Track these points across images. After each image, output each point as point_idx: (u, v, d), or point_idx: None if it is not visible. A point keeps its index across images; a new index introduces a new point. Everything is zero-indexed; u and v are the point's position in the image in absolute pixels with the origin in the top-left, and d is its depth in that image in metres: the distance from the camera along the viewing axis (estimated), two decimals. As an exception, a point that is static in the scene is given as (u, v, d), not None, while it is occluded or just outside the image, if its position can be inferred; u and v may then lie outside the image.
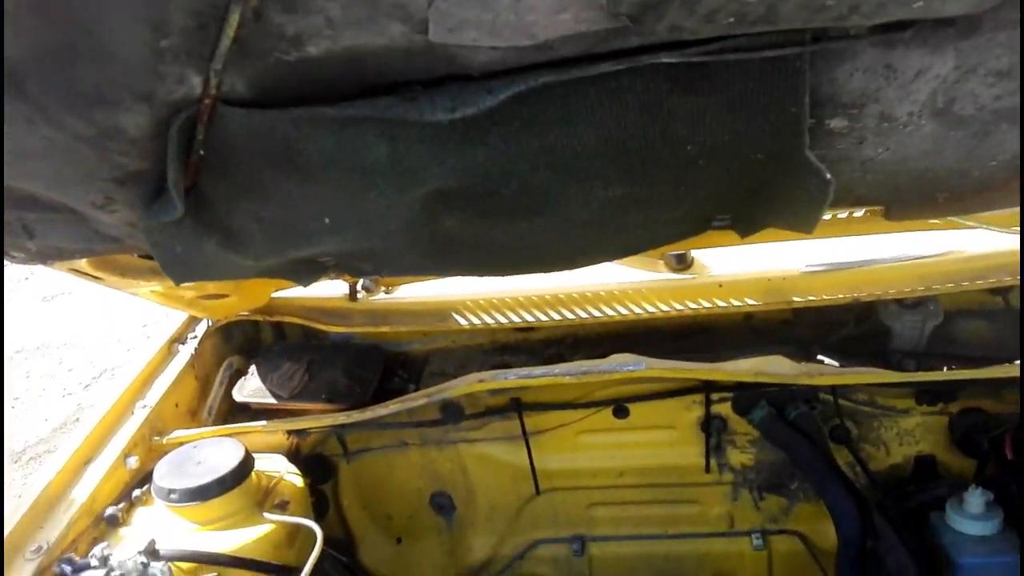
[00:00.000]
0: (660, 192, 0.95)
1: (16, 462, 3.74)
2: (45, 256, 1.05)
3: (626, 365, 1.45)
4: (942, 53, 0.79)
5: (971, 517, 1.29)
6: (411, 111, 0.76)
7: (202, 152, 0.81)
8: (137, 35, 0.68)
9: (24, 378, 4.45)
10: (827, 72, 0.80)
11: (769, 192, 0.95)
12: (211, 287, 1.52)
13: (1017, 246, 1.56)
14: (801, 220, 0.94)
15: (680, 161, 0.88)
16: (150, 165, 0.84)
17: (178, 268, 1.00)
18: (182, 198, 0.85)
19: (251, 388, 1.72)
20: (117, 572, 1.17)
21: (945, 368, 1.48)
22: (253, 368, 1.76)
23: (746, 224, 1.04)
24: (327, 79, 0.76)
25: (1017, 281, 1.58)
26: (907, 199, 1.06)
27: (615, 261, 1.41)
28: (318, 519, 1.37)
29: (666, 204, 0.99)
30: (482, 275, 1.33)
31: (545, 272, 1.20)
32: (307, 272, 1.19)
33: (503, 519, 1.80)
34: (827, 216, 1.41)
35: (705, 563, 1.76)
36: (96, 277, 1.31)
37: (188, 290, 1.52)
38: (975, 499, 1.29)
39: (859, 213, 1.34)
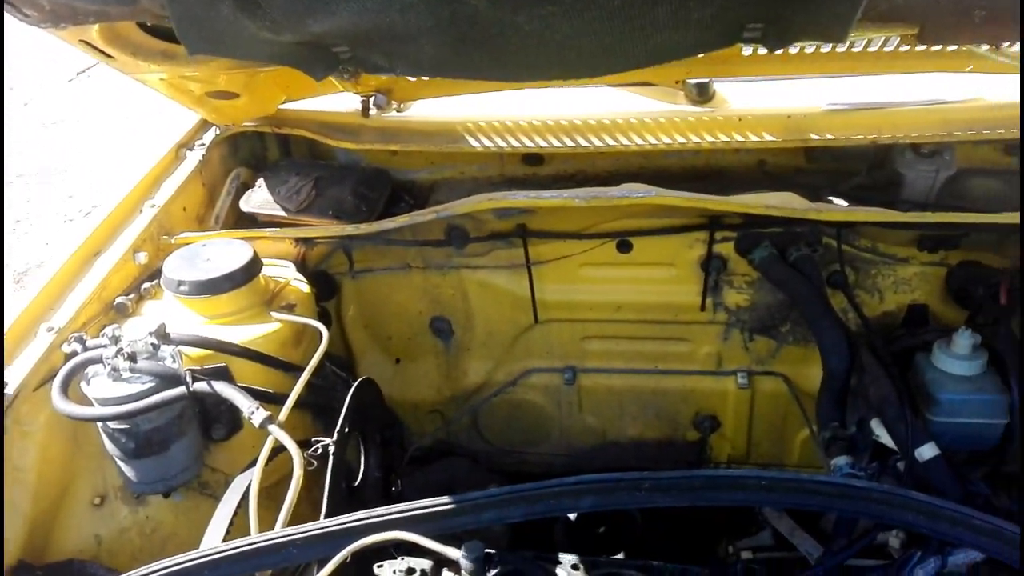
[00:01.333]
0: None
1: (18, 283, 3.80)
2: (58, 17, 1.01)
3: (636, 192, 1.45)
4: None
5: (956, 357, 1.33)
6: None
7: None
8: None
9: (25, 203, 4.46)
10: None
11: None
12: (221, 81, 1.49)
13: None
14: (836, 22, 0.91)
15: None
16: None
17: (193, 32, 0.97)
18: None
19: (258, 200, 1.72)
20: (128, 351, 1.21)
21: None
22: (260, 181, 1.76)
23: (779, 32, 1.01)
24: None
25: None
26: (944, 15, 1.02)
27: (640, 79, 1.38)
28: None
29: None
30: (502, 78, 1.30)
31: (567, 79, 1.17)
32: (320, 61, 1.16)
33: (499, 346, 1.85)
34: (859, 44, 1.38)
35: (690, 399, 1.83)
36: (107, 55, 1.28)
37: (197, 83, 1.49)
38: (963, 340, 1.33)
39: (891, 45, 1.30)
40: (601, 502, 1.11)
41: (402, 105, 1.75)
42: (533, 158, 1.79)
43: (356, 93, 1.72)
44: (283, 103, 1.75)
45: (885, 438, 1.30)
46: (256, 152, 1.90)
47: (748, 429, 1.82)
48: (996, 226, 1.39)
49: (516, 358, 1.86)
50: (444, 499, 1.08)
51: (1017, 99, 1.54)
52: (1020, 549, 0.92)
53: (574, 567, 1.17)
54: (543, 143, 1.62)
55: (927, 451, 1.24)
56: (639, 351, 1.82)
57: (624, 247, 1.67)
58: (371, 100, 1.73)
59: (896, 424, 1.27)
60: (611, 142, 1.63)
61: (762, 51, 1.18)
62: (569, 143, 1.61)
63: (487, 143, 1.65)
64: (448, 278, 1.77)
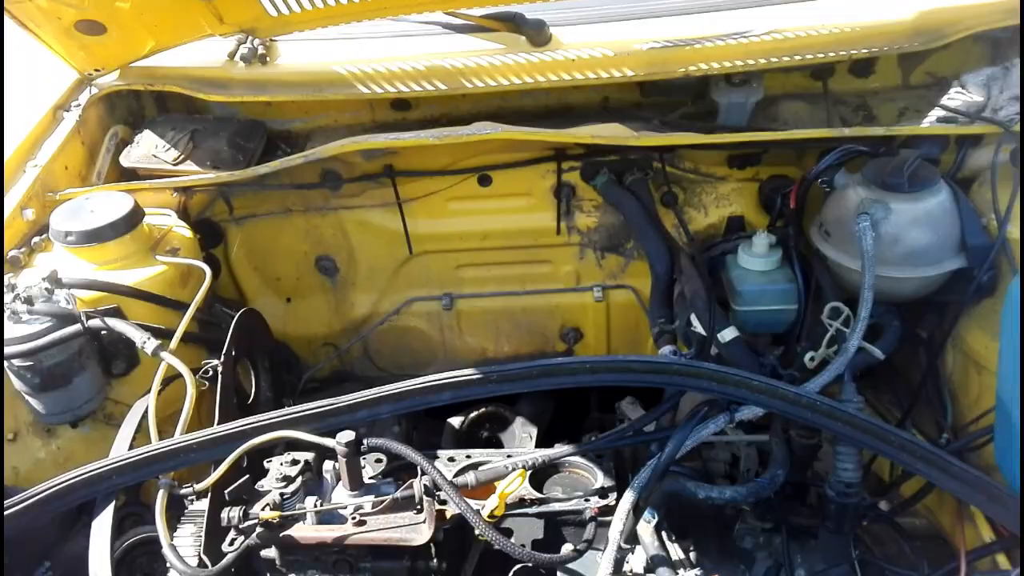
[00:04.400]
0: None
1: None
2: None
3: (484, 129, 1.64)
4: None
5: (754, 255, 1.59)
6: None
7: None
8: None
9: None
10: None
11: None
12: (90, 8, 1.56)
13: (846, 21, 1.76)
14: None
15: None
16: None
17: None
18: None
19: (137, 155, 1.82)
20: (24, 295, 1.33)
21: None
22: (139, 137, 1.85)
23: None
24: None
25: (838, 58, 1.78)
26: None
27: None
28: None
29: None
30: None
31: None
32: None
33: (381, 279, 2.03)
34: None
35: (555, 314, 2.05)
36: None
37: (66, 9, 1.56)
38: (760, 240, 1.59)
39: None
40: (458, 394, 1.32)
41: (267, 57, 1.87)
42: (401, 104, 1.93)
43: (221, 35, 1.82)
44: (151, 52, 1.82)
45: (699, 328, 1.55)
46: (133, 110, 1.98)
47: (607, 337, 2.06)
48: (790, 142, 1.64)
49: (398, 289, 2.04)
50: (321, 402, 1.27)
51: (820, 27, 1.78)
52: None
53: (450, 459, 1.37)
54: (404, 88, 1.77)
55: (727, 334, 1.50)
56: (508, 275, 2.02)
57: (484, 181, 1.86)
58: (237, 54, 1.84)
59: (704, 314, 1.52)
60: (468, 85, 1.79)
61: None
62: (428, 87, 1.76)
63: (352, 90, 1.79)
64: (328, 219, 1.93)
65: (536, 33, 1.76)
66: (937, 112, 1.67)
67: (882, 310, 1.50)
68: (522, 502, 1.29)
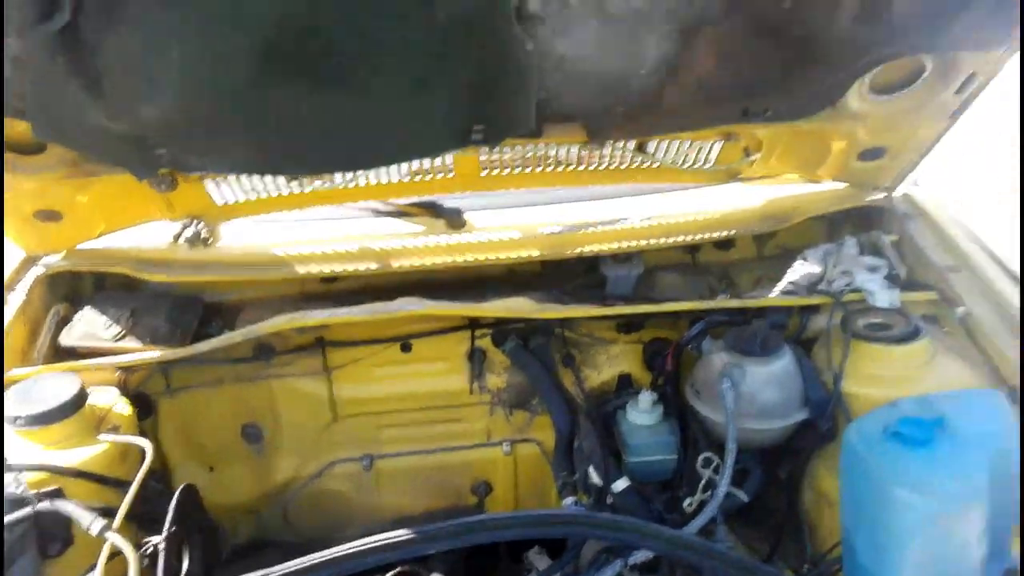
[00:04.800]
0: (427, 71, 1.33)
1: None
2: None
3: (408, 305, 1.86)
4: None
5: (640, 411, 1.83)
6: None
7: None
8: None
9: None
10: None
11: (496, 84, 1.35)
12: (50, 197, 1.74)
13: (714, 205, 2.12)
14: (521, 108, 1.39)
15: (435, 31, 1.24)
16: None
17: (42, 114, 1.26)
18: (71, 2, 1.10)
19: (79, 333, 1.96)
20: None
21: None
22: (79, 316, 1.99)
23: (491, 130, 1.47)
24: None
25: (704, 239, 2.13)
26: (597, 112, 1.51)
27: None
28: (142, 448, 1.67)
29: (432, 90, 1.37)
30: (296, 168, 1.68)
31: (349, 168, 1.61)
32: (143, 161, 1.49)
33: (305, 443, 2.16)
34: (560, 160, 1.90)
35: (467, 469, 2.22)
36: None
37: (30, 198, 1.73)
38: (645, 398, 1.83)
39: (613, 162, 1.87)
40: (384, 557, 1.46)
41: (210, 240, 2.08)
42: (329, 277, 2.15)
43: (171, 220, 2.03)
44: (100, 234, 2.00)
45: (596, 479, 1.76)
46: (73, 286, 2.11)
47: (515, 489, 2.24)
48: (666, 312, 1.93)
49: (321, 452, 2.17)
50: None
51: (691, 212, 2.14)
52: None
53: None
54: (337, 267, 2.00)
55: (620, 484, 1.72)
56: (425, 433, 2.20)
57: (406, 348, 2.08)
58: (182, 236, 2.05)
59: (600, 467, 1.74)
60: (394, 264, 2.04)
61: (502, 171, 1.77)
62: (358, 267, 2.00)
63: (288, 270, 2.00)
64: (257, 388, 2.08)
65: (453, 218, 2.05)
66: (784, 283, 2.01)
67: (747, 457, 1.75)
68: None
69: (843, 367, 1.72)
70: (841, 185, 2.08)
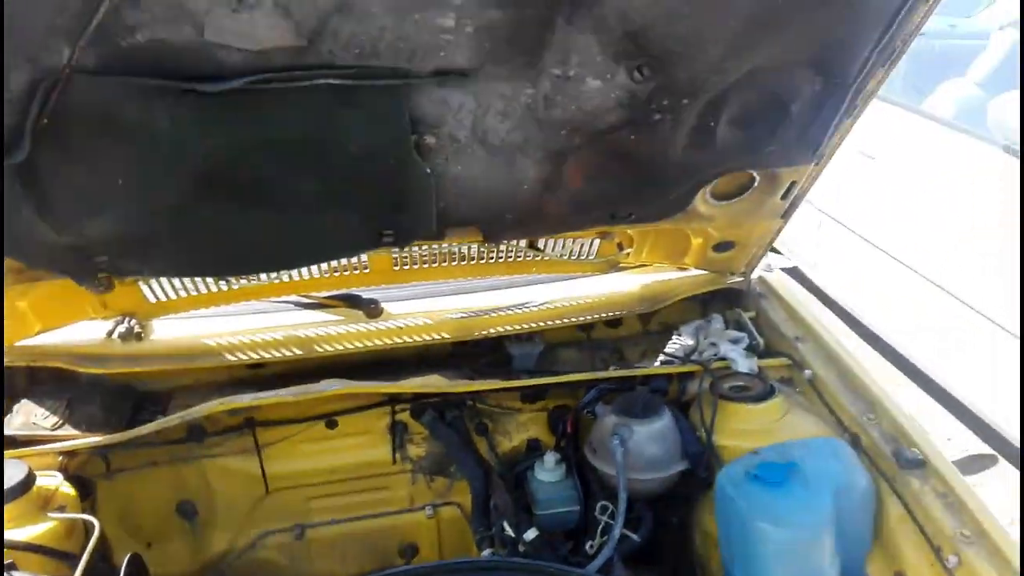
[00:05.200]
0: (342, 190, 1.56)
1: None
2: None
3: (331, 385, 2.07)
4: (467, 94, 1.42)
5: (546, 470, 2.09)
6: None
7: (45, 121, 1.23)
8: (42, 11, 1.11)
9: None
10: (415, 99, 1.42)
11: (402, 198, 1.61)
12: None
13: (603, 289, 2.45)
14: (423, 217, 1.66)
15: (348, 160, 1.49)
16: (13, 120, 1.24)
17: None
18: (30, 141, 1.27)
19: (18, 423, 2.06)
20: (-68, 561, 1.53)
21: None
22: (17, 407, 2.10)
23: (400, 235, 1.74)
24: (146, 62, 1.23)
25: (595, 319, 2.44)
26: (490, 218, 1.80)
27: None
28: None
29: (347, 205, 1.61)
30: (225, 270, 1.90)
31: (273, 269, 1.85)
32: (84, 268, 1.67)
33: (238, 517, 2.29)
34: (464, 256, 2.17)
35: (394, 534, 2.39)
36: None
37: None
38: (549, 459, 2.09)
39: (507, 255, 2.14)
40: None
41: (142, 334, 2.24)
42: (256, 364, 2.33)
43: (104, 319, 2.18)
44: (36, 334, 2.13)
45: (509, 531, 1.99)
46: (9, 381, 2.22)
47: (439, 548, 2.43)
48: (563, 384, 2.21)
49: (253, 524, 2.31)
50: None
51: (582, 296, 2.45)
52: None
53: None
54: (264, 354, 2.19)
55: (530, 534, 1.95)
56: (353, 502, 2.37)
57: (331, 425, 2.27)
58: (116, 332, 2.20)
59: (512, 520, 1.98)
60: (318, 350, 2.25)
61: (412, 265, 2.05)
62: (284, 353, 2.20)
63: (217, 359, 2.18)
64: (191, 468, 2.21)
65: (370, 309, 2.28)
66: (663, 355, 2.34)
67: (640, 505, 2.02)
68: None
69: (713, 424, 2.04)
70: (704, 272, 2.45)
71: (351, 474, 2.33)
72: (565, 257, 2.32)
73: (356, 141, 1.49)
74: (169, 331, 2.28)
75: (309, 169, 1.55)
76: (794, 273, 6.35)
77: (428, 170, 1.58)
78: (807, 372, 2.16)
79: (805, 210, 5.30)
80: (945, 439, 4.23)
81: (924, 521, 1.72)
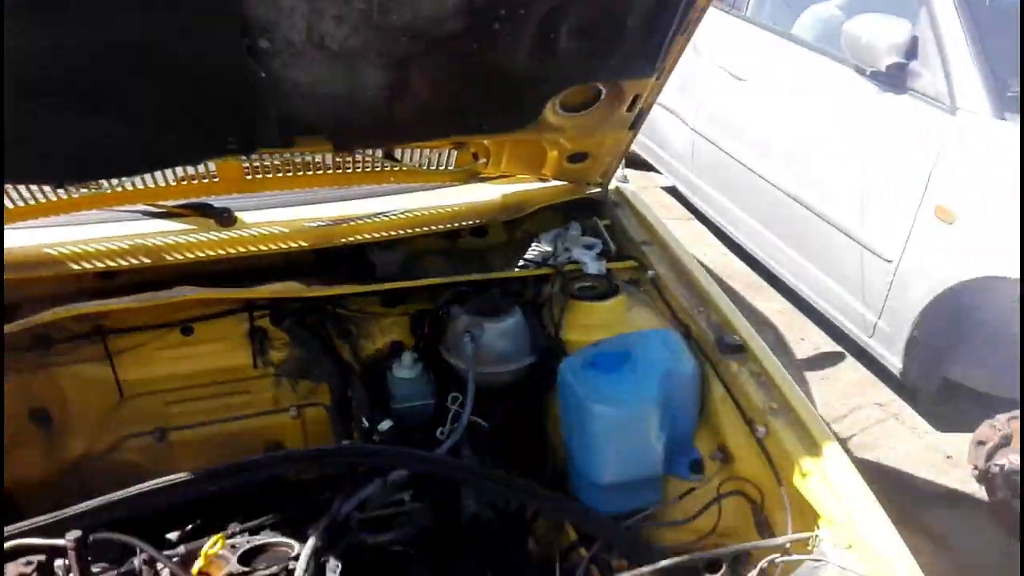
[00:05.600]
0: (179, 96, 1.54)
1: None
2: None
3: (183, 291, 2.06)
4: None
5: (403, 367, 2.17)
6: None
7: None
8: None
9: None
10: (245, 1, 1.38)
11: (240, 104, 1.60)
12: None
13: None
14: (264, 124, 1.66)
15: (182, 65, 1.46)
16: None
17: None
18: None
19: None
20: None
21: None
22: None
23: (242, 142, 1.73)
24: None
25: (456, 227, 2.49)
26: (336, 126, 1.80)
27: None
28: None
29: (185, 111, 1.59)
30: (66, 177, 1.82)
31: (112, 176, 1.80)
32: None
33: (95, 422, 2.27)
34: (321, 166, 2.17)
35: (258, 435, 2.43)
36: None
37: None
38: (406, 357, 2.18)
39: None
40: (160, 499, 1.67)
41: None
42: (107, 273, 2.28)
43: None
44: None
45: (367, 424, 2.07)
46: None
47: (305, 447, 2.49)
48: (419, 288, 2.27)
49: (112, 429, 2.30)
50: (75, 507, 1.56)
51: (445, 204, 2.49)
52: None
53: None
54: (112, 263, 2.13)
55: (385, 425, 2.04)
56: (215, 405, 2.38)
57: (187, 332, 2.26)
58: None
59: (367, 414, 2.06)
60: (168, 258, 2.19)
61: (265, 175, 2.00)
62: (133, 261, 2.14)
63: (63, 268, 2.11)
64: (41, 376, 2.17)
65: (223, 218, 2.25)
66: (521, 261, 2.44)
67: (491, 397, 2.13)
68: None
69: (561, 320, 2.16)
70: (563, 182, 2.54)
71: (212, 380, 2.34)
72: (423, 167, 2.35)
73: (188, 44, 1.46)
74: (10, 241, 2.19)
75: (143, 73, 1.51)
76: (672, 192, 6.59)
77: (263, 74, 1.56)
78: (650, 272, 2.31)
79: (683, 132, 5.47)
80: (799, 339, 4.58)
81: (740, 398, 1.90)
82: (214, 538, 1.61)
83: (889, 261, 3.49)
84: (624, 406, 1.89)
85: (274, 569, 1.69)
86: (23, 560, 1.53)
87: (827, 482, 1.64)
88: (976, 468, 3.44)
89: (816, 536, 1.55)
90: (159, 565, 1.54)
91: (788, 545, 1.60)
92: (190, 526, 1.87)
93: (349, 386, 2.21)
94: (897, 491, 3.62)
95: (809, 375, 4.25)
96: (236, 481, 1.72)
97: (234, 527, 1.73)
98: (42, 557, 1.54)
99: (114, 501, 1.61)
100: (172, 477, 1.66)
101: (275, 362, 2.38)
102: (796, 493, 1.71)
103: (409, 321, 2.43)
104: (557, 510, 1.89)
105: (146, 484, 1.64)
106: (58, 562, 1.55)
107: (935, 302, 3.27)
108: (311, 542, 1.67)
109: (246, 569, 1.70)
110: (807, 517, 1.68)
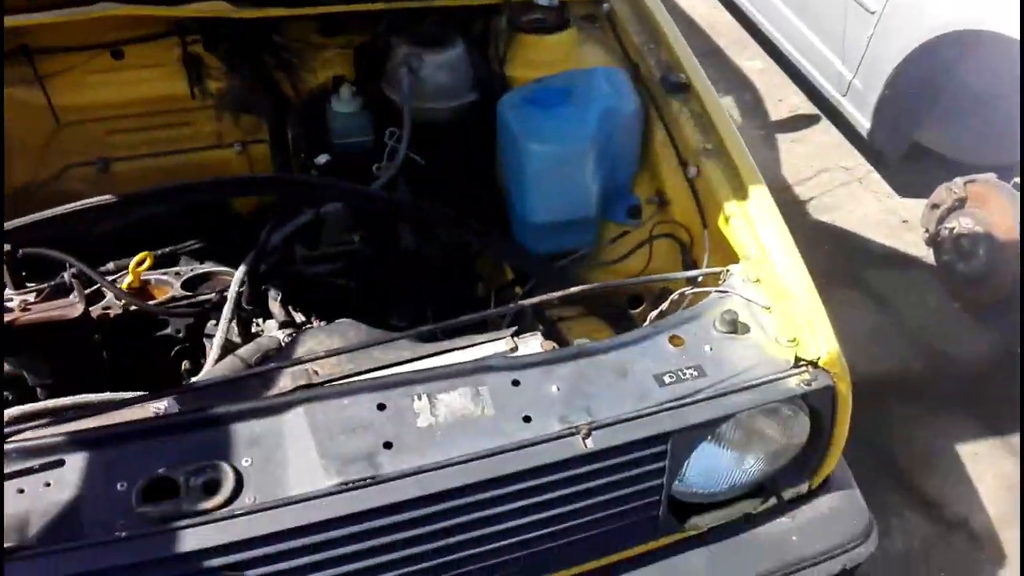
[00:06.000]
0: None
1: None
2: None
3: (104, 7, 1.93)
4: None
5: (342, 101, 2.10)
6: None
7: None
8: None
9: None
10: None
11: None
12: None
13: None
14: None
15: None
16: None
17: None
18: None
19: None
20: None
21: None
22: None
23: None
24: None
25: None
26: None
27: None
28: None
29: None
30: None
31: None
32: None
33: (35, 149, 2.24)
34: None
35: (204, 171, 2.39)
36: None
37: None
38: (345, 91, 2.10)
39: None
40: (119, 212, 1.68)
41: None
42: None
43: None
44: None
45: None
46: None
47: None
48: (355, 17, 2.12)
49: (53, 157, 2.27)
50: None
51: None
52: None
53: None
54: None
55: (322, 159, 2.01)
56: (156, 138, 2.33)
57: (117, 55, 2.15)
58: None
59: (302, 148, 2.02)
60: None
61: None
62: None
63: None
64: (-33, 98, 2.10)
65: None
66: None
67: (431, 135, 2.08)
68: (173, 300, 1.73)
69: (505, 54, 2.06)
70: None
71: (149, 108, 2.27)
72: None
73: None
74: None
75: None
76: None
77: None
78: (605, 5, 2.17)
79: None
80: (777, 100, 4.48)
81: (678, 139, 1.86)
82: (140, 255, 1.65)
83: (872, 12, 3.29)
84: (560, 144, 1.86)
85: (213, 295, 1.75)
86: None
87: (748, 222, 1.66)
88: (927, 231, 3.51)
89: (727, 271, 1.59)
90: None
91: (700, 279, 1.65)
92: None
93: (287, 118, 2.15)
94: (849, 252, 3.73)
95: (780, 137, 4.20)
96: (162, 204, 1.72)
97: (164, 250, 1.76)
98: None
99: (44, 218, 1.62)
100: (103, 197, 1.66)
101: (213, 92, 2.29)
102: (719, 232, 1.74)
103: (353, 55, 2.31)
104: (486, 244, 1.93)
105: (76, 203, 1.64)
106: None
107: (913, 57, 3.14)
108: (242, 267, 1.72)
109: (188, 293, 1.76)
110: (729, 256, 1.72)
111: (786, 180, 4.00)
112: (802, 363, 1.42)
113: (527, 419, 1.28)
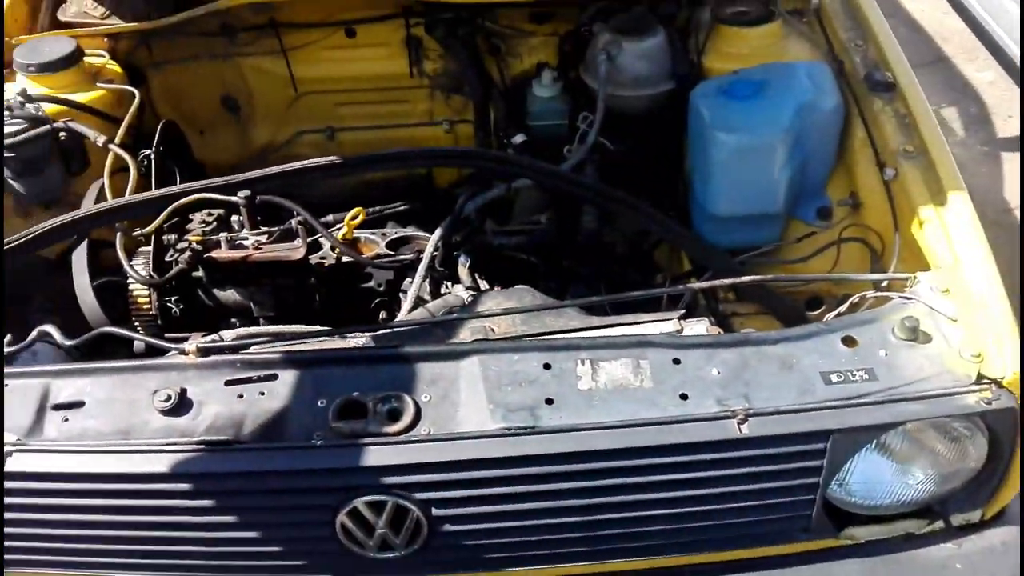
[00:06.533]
0: None
1: None
2: None
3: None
4: None
5: (543, 86, 2.22)
6: None
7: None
8: None
9: None
10: None
11: None
12: None
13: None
14: None
15: None
16: None
17: None
18: None
19: (72, 11, 2.30)
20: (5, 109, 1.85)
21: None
22: (71, -3, 2.32)
23: None
24: None
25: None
26: None
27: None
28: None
29: None
30: None
31: None
32: None
33: (275, 115, 2.56)
34: None
35: (414, 143, 2.61)
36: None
37: None
38: (546, 75, 2.22)
39: None
40: (327, 174, 1.91)
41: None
42: None
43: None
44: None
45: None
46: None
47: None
48: (574, 5, 2.23)
49: (289, 123, 2.58)
50: (224, 178, 1.84)
51: None
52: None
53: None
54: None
55: (518, 139, 2.15)
56: (376, 112, 2.58)
57: (350, 34, 2.41)
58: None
59: (503, 128, 2.17)
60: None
61: None
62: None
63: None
64: (228, 65, 2.44)
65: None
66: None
67: (625, 122, 2.15)
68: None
69: (704, 45, 2.08)
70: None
71: (373, 85, 2.51)
72: None
73: None
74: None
75: None
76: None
77: None
78: (814, 1, 2.12)
79: None
80: (1007, 116, 4.09)
81: (877, 139, 1.80)
82: (355, 210, 1.85)
83: None
84: (749, 134, 1.85)
85: (412, 255, 1.94)
86: (205, 211, 1.85)
87: (944, 229, 1.58)
88: None
89: (914, 277, 1.53)
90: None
91: (885, 283, 1.59)
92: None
93: (491, 100, 2.30)
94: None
95: (1006, 155, 3.83)
96: (378, 168, 1.92)
97: (375, 209, 1.97)
98: (221, 211, 1.86)
99: (279, 171, 1.86)
100: (330, 158, 1.88)
101: (430, 73, 2.49)
102: (911, 238, 1.67)
103: (558, 43, 2.43)
104: (665, 231, 1.96)
105: (305, 162, 1.87)
106: (233, 217, 1.86)
107: None
108: (438, 232, 1.88)
109: (391, 252, 1.96)
110: (919, 264, 1.65)
111: (1007, 202, 3.65)
112: (985, 380, 1.35)
113: (684, 396, 1.33)
